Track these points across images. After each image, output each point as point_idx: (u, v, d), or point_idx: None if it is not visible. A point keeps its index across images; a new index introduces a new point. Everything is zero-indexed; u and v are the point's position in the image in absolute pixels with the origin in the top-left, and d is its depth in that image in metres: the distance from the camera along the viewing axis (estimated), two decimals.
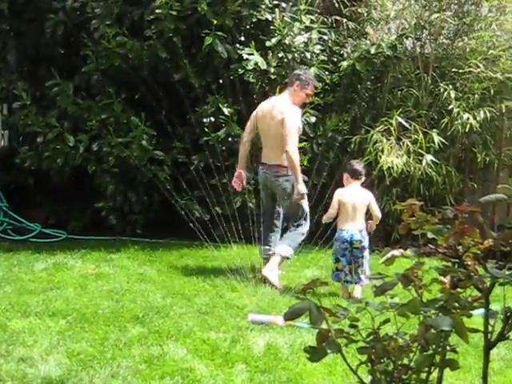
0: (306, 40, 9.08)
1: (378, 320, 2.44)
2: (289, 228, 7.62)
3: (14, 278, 7.18)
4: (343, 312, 2.36)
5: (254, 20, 9.00)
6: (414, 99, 9.31)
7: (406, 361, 2.36)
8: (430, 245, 2.40)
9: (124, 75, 9.06)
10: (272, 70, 8.79)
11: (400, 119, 8.98)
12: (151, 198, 9.25)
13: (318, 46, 9.21)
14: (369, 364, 2.40)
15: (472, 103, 9.05)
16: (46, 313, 5.99)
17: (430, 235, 2.39)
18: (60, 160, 8.97)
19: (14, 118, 9.57)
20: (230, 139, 8.89)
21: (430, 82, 9.29)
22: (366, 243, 6.96)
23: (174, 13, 8.51)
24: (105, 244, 8.75)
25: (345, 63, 9.36)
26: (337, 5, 9.93)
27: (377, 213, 7.08)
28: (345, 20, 9.91)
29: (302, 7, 9.12)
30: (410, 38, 9.68)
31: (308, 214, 7.50)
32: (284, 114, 7.27)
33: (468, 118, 8.82)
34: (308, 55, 9.08)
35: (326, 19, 9.60)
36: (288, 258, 7.52)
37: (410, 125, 9.00)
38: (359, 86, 9.65)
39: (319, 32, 9.23)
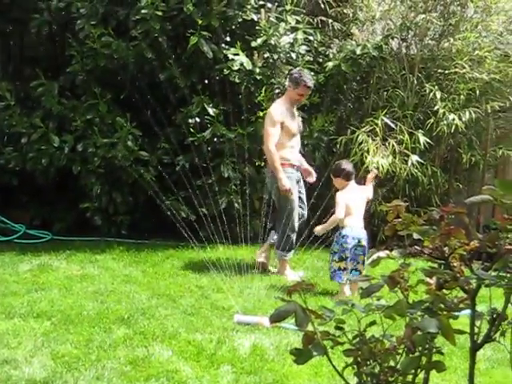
0: (291, 40, 9.08)
1: (365, 322, 2.43)
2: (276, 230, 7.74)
3: None
4: (329, 314, 2.35)
5: (239, 20, 9.01)
6: (399, 100, 9.33)
7: (392, 363, 2.35)
8: (416, 246, 2.39)
9: (109, 75, 9.03)
10: (257, 70, 8.78)
11: (386, 119, 8.99)
12: (137, 198, 9.23)
13: (304, 47, 9.22)
14: (355, 366, 2.38)
15: (458, 104, 9.09)
16: (31, 314, 5.95)
17: (415, 236, 2.38)
18: (45, 161, 8.92)
19: None
20: (215, 139, 8.88)
21: (415, 82, 9.32)
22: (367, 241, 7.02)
23: (160, 13, 8.50)
24: (90, 245, 8.72)
25: (330, 64, 9.36)
26: (322, 5, 9.94)
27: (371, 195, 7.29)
28: (330, 21, 9.92)
29: (288, 8, 9.13)
30: (395, 39, 9.71)
31: (294, 213, 7.54)
32: (267, 115, 7.61)
33: (453, 119, 8.86)
34: (294, 56, 9.08)
35: (311, 20, 9.62)
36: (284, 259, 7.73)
37: (396, 125, 9.02)
38: (345, 87, 9.69)
39: (305, 32, 9.23)
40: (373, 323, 2.45)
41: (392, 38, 9.63)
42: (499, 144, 9.62)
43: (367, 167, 8.58)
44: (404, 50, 9.74)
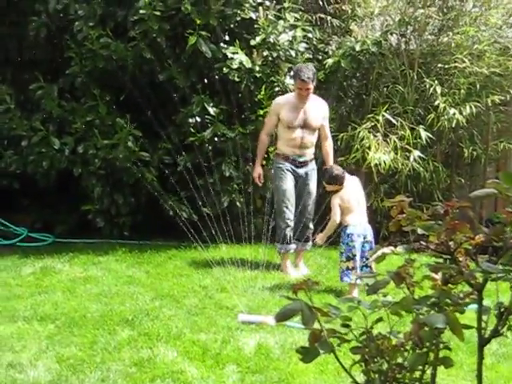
0: (290, 38, 9.04)
1: (371, 319, 2.41)
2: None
3: (1, 283, 7.13)
4: (335, 311, 2.33)
5: (238, 19, 8.97)
6: (400, 95, 9.30)
7: (399, 360, 2.33)
8: (421, 241, 2.37)
9: (109, 77, 9.01)
10: (257, 68, 8.75)
11: (387, 115, 8.97)
12: (138, 199, 9.21)
13: (303, 44, 9.19)
14: (362, 364, 2.37)
15: (458, 98, 9.06)
16: (35, 317, 5.95)
17: (420, 231, 2.36)
18: (45, 163, 8.89)
19: None
20: (216, 139, 8.86)
21: (415, 78, 9.29)
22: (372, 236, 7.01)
23: (158, 13, 8.47)
24: (92, 247, 8.71)
25: (330, 61, 9.34)
26: (321, 2, 9.93)
27: None
28: (329, 17, 9.89)
29: (286, 5, 9.10)
30: (394, 35, 9.68)
31: (282, 204, 7.73)
32: None
33: (454, 114, 8.83)
34: (293, 53, 9.04)
35: (310, 17, 9.59)
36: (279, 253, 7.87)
37: (397, 121, 9.00)
38: (345, 84, 9.66)
39: (304, 30, 9.20)
40: (379, 320, 2.43)
41: (391, 34, 9.60)
42: (500, 138, 9.59)
43: (369, 163, 8.57)
44: (403, 46, 9.70)
